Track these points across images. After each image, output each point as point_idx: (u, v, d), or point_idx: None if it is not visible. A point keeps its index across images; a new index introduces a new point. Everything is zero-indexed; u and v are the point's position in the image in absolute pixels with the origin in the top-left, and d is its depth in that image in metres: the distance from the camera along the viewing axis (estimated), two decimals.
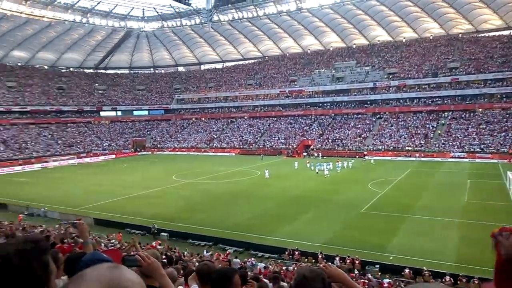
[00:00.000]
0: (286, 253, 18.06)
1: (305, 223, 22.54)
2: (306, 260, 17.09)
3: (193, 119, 77.41)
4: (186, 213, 25.56)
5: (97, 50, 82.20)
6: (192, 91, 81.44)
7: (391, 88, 60.55)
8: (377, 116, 59.84)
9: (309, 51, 78.65)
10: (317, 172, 38.97)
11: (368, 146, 53.20)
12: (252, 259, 16.91)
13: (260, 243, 19.43)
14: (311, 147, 57.28)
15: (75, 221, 4.52)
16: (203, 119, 76.60)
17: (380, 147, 52.24)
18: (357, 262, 16.26)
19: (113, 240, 18.40)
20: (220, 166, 47.77)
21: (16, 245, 1.31)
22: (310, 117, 65.47)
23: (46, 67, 79.10)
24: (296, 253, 17.82)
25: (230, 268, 3.47)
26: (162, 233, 21.76)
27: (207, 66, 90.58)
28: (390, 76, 62.45)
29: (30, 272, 1.12)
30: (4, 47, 70.46)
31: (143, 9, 74.78)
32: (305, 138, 60.27)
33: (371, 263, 16.48)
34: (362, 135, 56.10)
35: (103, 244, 14.04)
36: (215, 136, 68.90)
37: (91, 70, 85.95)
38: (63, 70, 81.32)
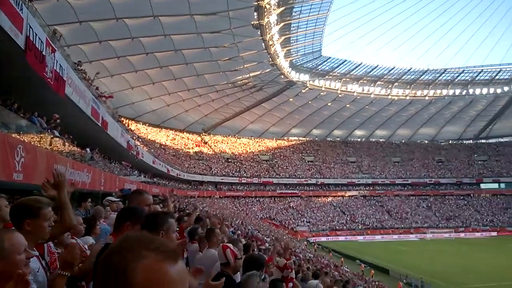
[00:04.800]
0: None
1: None
2: None
3: None
4: None
5: (477, 120, 79.01)
6: None
7: None
8: None
9: None
10: None
11: None
12: None
13: None
14: None
15: None
16: None
17: None
18: None
19: None
20: None
21: None
22: None
23: (426, 141, 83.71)
24: None
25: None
26: None
27: None
28: None
29: None
30: (391, 127, 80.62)
31: None
32: None
33: None
34: None
35: None
36: None
37: (470, 141, 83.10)
38: (442, 143, 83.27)
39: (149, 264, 0.77)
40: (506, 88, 67.86)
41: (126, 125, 42.31)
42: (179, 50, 39.86)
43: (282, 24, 44.16)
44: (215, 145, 67.67)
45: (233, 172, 62.24)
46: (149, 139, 50.25)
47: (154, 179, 35.77)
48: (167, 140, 58.16)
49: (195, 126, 66.24)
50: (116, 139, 23.24)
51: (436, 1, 72.88)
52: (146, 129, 54.19)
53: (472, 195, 69.34)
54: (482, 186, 70.22)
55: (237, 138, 72.60)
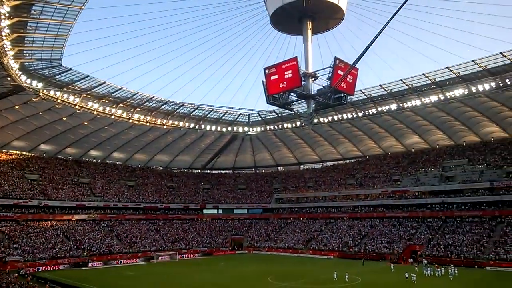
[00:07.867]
0: None
1: None
2: None
3: (291, 218, 76.56)
4: None
5: (205, 153, 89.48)
6: (291, 190, 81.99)
7: None
8: (498, 220, 52.54)
9: (413, 150, 75.20)
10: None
11: (488, 254, 45.88)
12: None
13: None
14: (419, 253, 51.53)
15: None
16: (301, 218, 75.33)
17: (504, 256, 44.63)
18: None
19: None
20: (319, 269, 45.38)
21: None
22: (417, 219, 60.29)
23: (160, 168, 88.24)
24: None
25: None
26: None
27: (307, 166, 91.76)
28: (511, 175, 55.59)
29: None
30: (129, 151, 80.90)
31: (249, 115, 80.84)
32: (412, 243, 54.80)
33: None
34: (481, 241, 48.91)
35: None
36: (313, 237, 66.45)
37: (199, 171, 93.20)
38: (174, 171, 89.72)
39: None
40: (229, 128, 79.90)
41: None
42: None
43: (16, 19, 38.03)
44: None
45: None
46: None
47: None
48: None
49: None
50: None
51: (181, 40, 79.96)
52: None
53: (196, 219, 76.72)
54: (205, 211, 79.14)
55: None
